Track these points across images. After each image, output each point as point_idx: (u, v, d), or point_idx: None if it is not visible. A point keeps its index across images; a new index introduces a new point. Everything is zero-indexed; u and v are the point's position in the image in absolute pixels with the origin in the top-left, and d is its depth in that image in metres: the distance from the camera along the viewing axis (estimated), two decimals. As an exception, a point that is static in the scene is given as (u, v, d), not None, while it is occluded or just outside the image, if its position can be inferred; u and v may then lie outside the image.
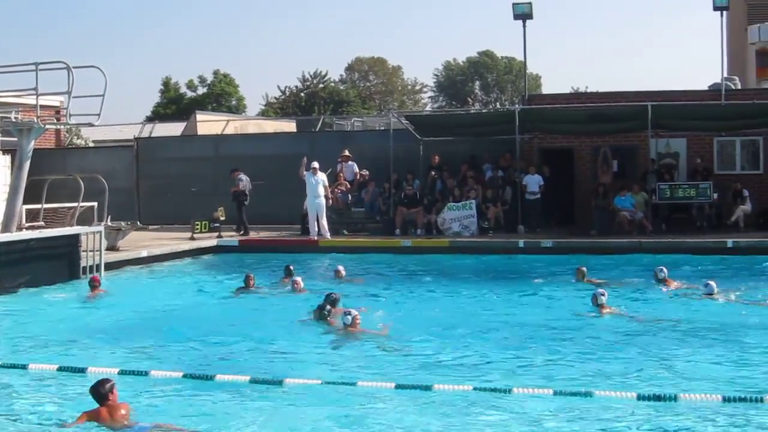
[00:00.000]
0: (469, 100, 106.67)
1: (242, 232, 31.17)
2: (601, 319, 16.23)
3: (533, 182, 30.21)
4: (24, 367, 12.42)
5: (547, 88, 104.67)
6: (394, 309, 18.15)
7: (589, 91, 53.33)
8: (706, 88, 34.48)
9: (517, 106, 33.70)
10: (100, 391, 10.13)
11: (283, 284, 21.57)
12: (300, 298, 19.14)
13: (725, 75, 33.85)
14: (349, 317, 15.25)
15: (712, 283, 18.74)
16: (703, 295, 18.54)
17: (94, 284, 20.70)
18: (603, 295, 16.74)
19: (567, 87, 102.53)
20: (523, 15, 33.15)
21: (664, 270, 20.14)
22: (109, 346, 14.73)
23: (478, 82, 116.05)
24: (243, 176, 31.80)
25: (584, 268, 21.05)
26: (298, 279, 20.47)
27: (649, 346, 14.04)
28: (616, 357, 13.46)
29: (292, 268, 22.67)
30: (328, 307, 16.37)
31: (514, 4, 33.05)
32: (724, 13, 31.81)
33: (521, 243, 27.49)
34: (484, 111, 65.99)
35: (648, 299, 18.82)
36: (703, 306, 17.76)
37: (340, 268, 22.83)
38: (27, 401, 11.26)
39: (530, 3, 32.88)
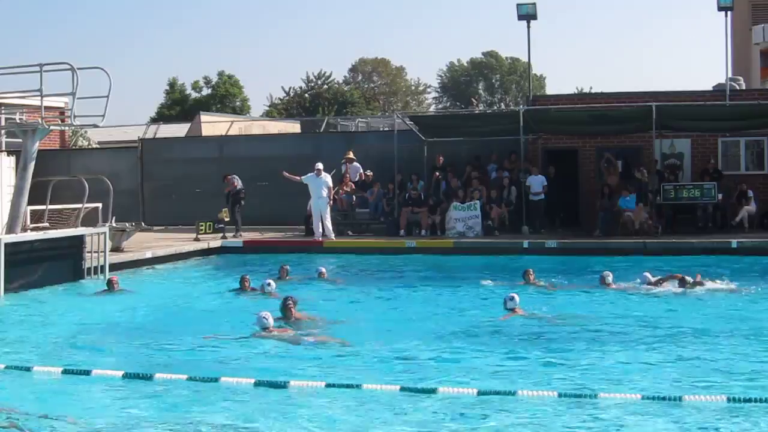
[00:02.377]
0: (474, 100, 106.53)
1: (237, 232, 31.14)
2: (514, 320, 16.21)
3: (537, 183, 30.20)
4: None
5: (551, 89, 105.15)
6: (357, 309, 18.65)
7: (593, 91, 53.20)
8: (710, 88, 34.44)
9: (521, 106, 33.73)
10: None
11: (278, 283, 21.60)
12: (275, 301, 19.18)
13: (729, 75, 33.82)
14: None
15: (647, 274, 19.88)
16: (643, 286, 19.59)
17: (112, 285, 20.77)
18: (512, 299, 16.65)
19: (571, 87, 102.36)
20: (527, 15, 33.13)
21: (610, 275, 20.24)
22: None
23: (482, 83, 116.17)
24: (236, 178, 31.76)
25: (531, 270, 20.98)
26: (271, 281, 20.43)
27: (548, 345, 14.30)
28: (514, 356, 13.61)
29: (288, 268, 22.81)
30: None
31: (518, 5, 33.03)
32: (729, 13, 31.77)
33: (526, 243, 27.49)
34: (488, 112, 66.11)
35: (580, 301, 18.99)
36: (633, 306, 18.10)
37: (323, 269, 23.11)
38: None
39: (534, 3, 32.86)
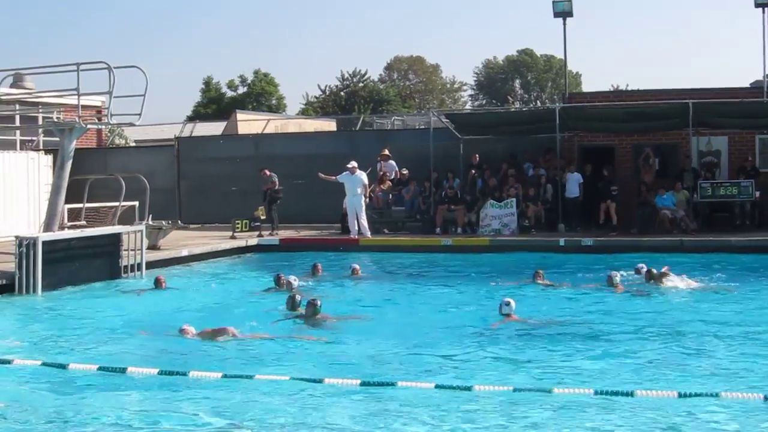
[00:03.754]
0: (509, 98, 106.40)
1: (273, 230, 31.22)
2: (508, 326, 16.07)
3: (573, 181, 30.10)
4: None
5: (587, 86, 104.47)
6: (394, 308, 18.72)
7: (629, 89, 52.98)
8: (747, 85, 34.23)
9: (557, 104, 33.50)
10: None
11: (306, 281, 21.83)
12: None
13: (767, 72, 33.60)
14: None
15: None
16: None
17: (159, 283, 20.93)
18: (508, 304, 16.54)
19: (607, 85, 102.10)
20: (563, 13, 33.04)
21: (618, 275, 20.16)
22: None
23: (518, 81, 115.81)
24: (274, 176, 31.80)
25: (541, 271, 21.01)
26: (292, 278, 20.50)
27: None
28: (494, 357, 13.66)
29: (320, 266, 22.91)
30: (298, 297, 17.32)
31: (554, 2, 32.93)
32: (766, 9, 31.53)
33: (562, 241, 27.40)
34: (524, 109, 65.92)
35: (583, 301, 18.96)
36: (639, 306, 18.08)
37: (356, 266, 23.20)
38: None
39: (570, 0, 32.76)
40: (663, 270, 20.49)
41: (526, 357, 13.51)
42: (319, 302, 16.62)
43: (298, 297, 17.51)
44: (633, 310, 17.43)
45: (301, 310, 16.99)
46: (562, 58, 37.42)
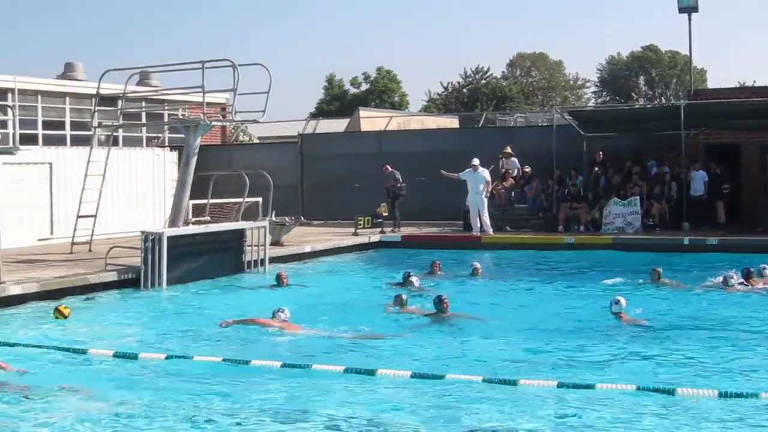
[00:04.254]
0: (633, 95, 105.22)
1: (395, 227, 31.27)
2: (620, 324, 15.88)
3: (698, 179, 29.62)
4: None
5: (712, 83, 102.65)
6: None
7: (756, 85, 52.32)
8: None
9: (682, 101, 32.99)
10: None
11: (427, 278, 21.84)
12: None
13: None
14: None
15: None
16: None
17: (281, 279, 21.09)
18: (617, 302, 16.22)
19: (733, 81, 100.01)
20: (688, 8, 32.58)
21: (734, 276, 19.75)
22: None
23: (642, 77, 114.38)
24: (397, 173, 31.82)
25: (659, 269, 20.64)
26: (414, 280, 20.49)
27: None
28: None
29: (438, 264, 22.87)
30: (404, 296, 17.71)
31: (679, -3, 32.48)
32: None
33: (686, 240, 26.97)
34: (648, 106, 65.11)
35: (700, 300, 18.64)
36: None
37: (477, 264, 23.06)
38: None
39: (696, -5, 32.29)
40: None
41: (641, 355, 13.44)
42: (446, 299, 16.60)
43: (404, 296, 17.74)
44: (750, 312, 17.13)
45: (410, 307, 17.31)
46: (687, 54, 36.81)
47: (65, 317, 16.72)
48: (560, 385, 11.00)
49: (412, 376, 11.46)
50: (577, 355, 13.63)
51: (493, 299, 19.40)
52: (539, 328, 15.87)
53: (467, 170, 29.73)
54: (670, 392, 10.51)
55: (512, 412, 10.45)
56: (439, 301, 16.59)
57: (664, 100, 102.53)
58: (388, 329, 15.62)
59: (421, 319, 16.51)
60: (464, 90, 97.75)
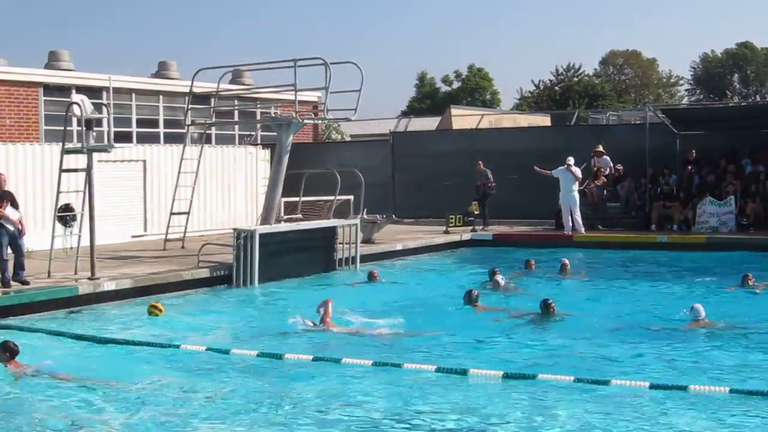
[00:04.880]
0: (728, 93, 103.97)
1: (484, 225, 31.18)
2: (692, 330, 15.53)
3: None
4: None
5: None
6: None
7: None
8: None
9: (778, 98, 32.50)
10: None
11: (517, 277, 21.88)
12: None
13: None
14: None
15: None
16: None
17: (373, 276, 21.21)
18: (693, 309, 15.82)
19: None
20: (785, 4, 32.04)
21: None
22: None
23: (737, 75, 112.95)
24: (488, 171, 31.72)
25: (750, 274, 20.07)
26: (499, 278, 20.33)
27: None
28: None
29: (533, 262, 22.76)
30: (475, 293, 17.81)
31: (776, -7, 31.97)
32: None
33: (781, 240, 26.53)
34: (743, 104, 64.33)
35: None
36: None
37: (566, 261, 22.95)
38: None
39: (794, -9, 31.75)
40: None
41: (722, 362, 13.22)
42: (553, 302, 16.51)
43: (475, 292, 17.77)
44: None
45: (482, 305, 17.52)
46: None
47: (160, 314, 16.88)
48: (653, 386, 10.95)
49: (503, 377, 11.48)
50: (665, 355, 13.53)
51: (579, 297, 19.29)
52: (625, 328, 15.77)
53: (560, 168, 29.53)
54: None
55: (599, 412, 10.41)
56: (545, 306, 16.45)
57: (759, 98, 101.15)
58: (467, 328, 15.63)
59: (520, 319, 16.45)
60: (556, 88, 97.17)
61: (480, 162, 31.88)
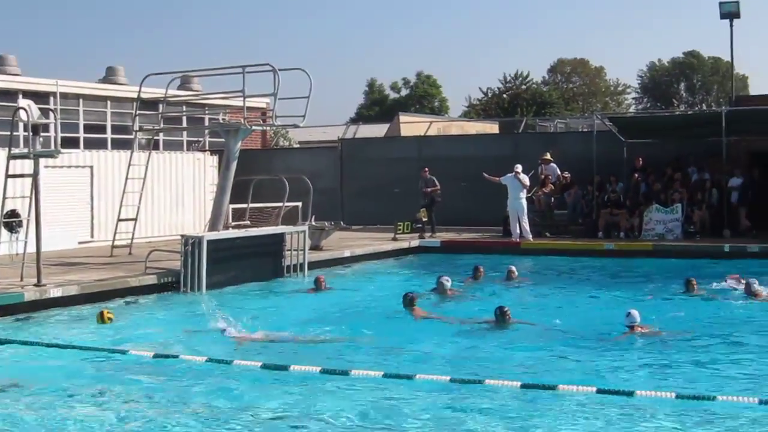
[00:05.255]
0: (674, 101, 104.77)
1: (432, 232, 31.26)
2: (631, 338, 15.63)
3: (735, 185, 29.43)
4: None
5: (755, 90, 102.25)
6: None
7: (799, 91, 52.09)
8: None
9: (723, 107, 32.81)
10: None
11: (467, 284, 21.97)
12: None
13: None
14: None
15: None
16: None
17: (319, 283, 21.14)
18: (629, 315, 15.83)
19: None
20: (730, 14, 32.47)
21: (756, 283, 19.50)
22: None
23: (683, 83, 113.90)
24: (434, 179, 31.80)
25: (693, 279, 20.29)
26: (444, 281, 20.38)
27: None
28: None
29: (481, 269, 22.85)
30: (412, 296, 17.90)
31: (720, 3, 32.40)
32: None
33: (726, 247, 26.76)
34: (689, 113, 64.83)
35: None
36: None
37: (513, 268, 23.05)
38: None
39: (737, 1, 32.19)
40: None
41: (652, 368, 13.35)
42: (508, 310, 16.53)
43: (411, 295, 17.91)
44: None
45: (420, 310, 17.60)
46: (729, 60, 36.65)
47: (109, 322, 16.77)
48: (600, 391, 11.01)
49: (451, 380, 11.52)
50: (600, 362, 13.65)
51: (526, 304, 19.40)
52: (567, 335, 15.83)
53: (509, 175, 29.67)
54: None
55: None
56: (501, 313, 16.44)
57: (705, 107, 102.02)
58: (397, 334, 15.82)
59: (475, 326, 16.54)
60: (504, 95, 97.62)
61: (426, 169, 31.93)
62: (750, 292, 19.09)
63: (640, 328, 15.48)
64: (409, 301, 17.69)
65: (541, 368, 13.20)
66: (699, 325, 16.38)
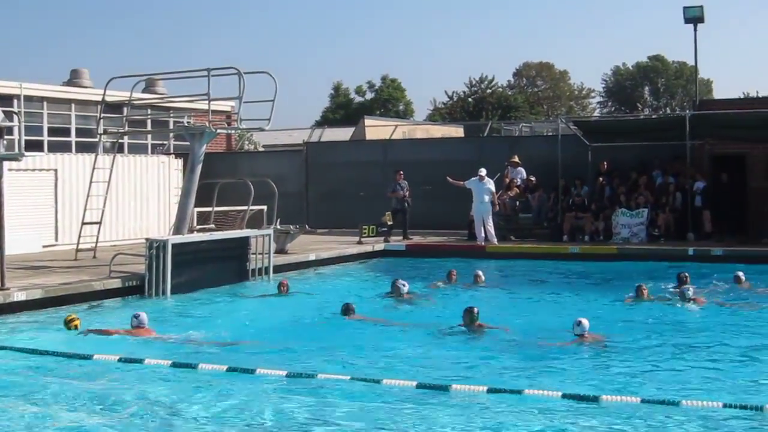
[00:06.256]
0: (639, 105, 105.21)
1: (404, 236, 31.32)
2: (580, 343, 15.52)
3: (699, 189, 29.62)
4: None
5: (718, 94, 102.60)
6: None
7: (761, 95, 52.30)
8: None
9: (687, 111, 32.99)
10: None
11: (432, 288, 22.08)
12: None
13: None
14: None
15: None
16: None
17: (282, 288, 21.08)
18: (579, 324, 15.75)
19: (738, 92, 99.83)
20: (694, 19, 32.63)
21: (692, 289, 19.58)
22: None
23: (647, 87, 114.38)
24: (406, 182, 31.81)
25: (644, 285, 20.30)
26: (400, 285, 20.40)
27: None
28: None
29: (454, 273, 22.86)
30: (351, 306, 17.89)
31: (685, 8, 32.55)
32: None
33: (691, 251, 26.91)
34: (653, 116, 65.19)
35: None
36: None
37: (479, 272, 23.00)
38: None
39: (701, 6, 32.34)
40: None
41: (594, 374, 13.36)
42: (476, 310, 16.49)
43: (351, 305, 17.92)
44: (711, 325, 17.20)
45: (358, 315, 17.64)
46: (693, 64, 36.85)
47: (76, 327, 16.63)
48: (565, 396, 11.06)
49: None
50: (552, 368, 13.62)
51: (493, 308, 19.37)
52: (532, 338, 15.85)
53: (473, 179, 29.73)
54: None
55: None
56: (467, 313, 16.38)
57: (669, 111, 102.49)
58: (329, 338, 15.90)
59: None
60: (469, 99, 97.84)
61: (401, 172, 31.88)
62: (685, 299, 19.11)
63: (588, 336, 15.53)
64: (345, 310, 17.69)
65: (484, 371, 13.29)
66: (645, 331, 16.44)
